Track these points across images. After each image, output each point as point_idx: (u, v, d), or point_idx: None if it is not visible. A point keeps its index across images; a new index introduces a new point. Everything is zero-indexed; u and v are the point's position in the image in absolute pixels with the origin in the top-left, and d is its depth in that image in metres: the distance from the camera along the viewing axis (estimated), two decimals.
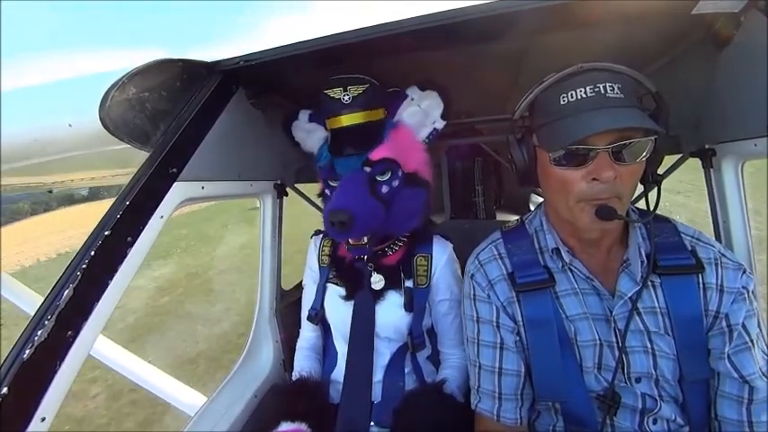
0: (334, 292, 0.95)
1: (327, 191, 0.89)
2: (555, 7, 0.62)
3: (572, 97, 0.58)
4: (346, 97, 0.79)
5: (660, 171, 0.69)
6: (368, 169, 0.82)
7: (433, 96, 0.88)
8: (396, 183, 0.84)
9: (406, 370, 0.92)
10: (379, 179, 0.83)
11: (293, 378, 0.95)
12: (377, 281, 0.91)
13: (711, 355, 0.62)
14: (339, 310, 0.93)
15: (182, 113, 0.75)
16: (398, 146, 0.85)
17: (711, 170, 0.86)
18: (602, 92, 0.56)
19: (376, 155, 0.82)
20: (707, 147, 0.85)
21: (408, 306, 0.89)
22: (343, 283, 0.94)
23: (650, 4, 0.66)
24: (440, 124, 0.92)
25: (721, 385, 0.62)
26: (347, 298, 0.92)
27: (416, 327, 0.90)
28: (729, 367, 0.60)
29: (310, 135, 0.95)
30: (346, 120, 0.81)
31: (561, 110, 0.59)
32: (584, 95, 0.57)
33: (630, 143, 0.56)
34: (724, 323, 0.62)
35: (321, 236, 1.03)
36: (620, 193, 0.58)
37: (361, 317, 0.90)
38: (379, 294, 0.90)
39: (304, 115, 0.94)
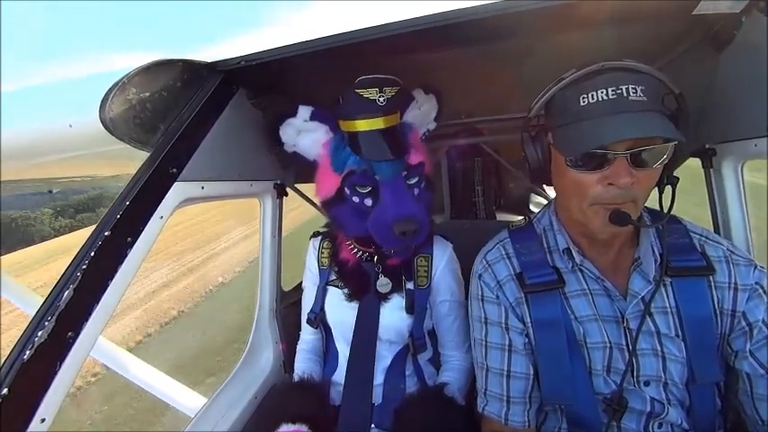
0: (336, 294, 0.94)
1: (356, 198, 0.82)
2: (556, 8, 0.62)
3: (592, 98, 0.55)
4: (381, 99, 0.76)
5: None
6: (404, 173, 0.82)
7: (432, 100, 0.90)
8: (422, 185, 0.85)
9: (407, 372, 0.92)
10: (409, 183, 0.83)
11: (294, 380, 0.95)
12: (384, 284, 0.90)
13: (737, 357, 0.62)
14: (341, 313, 0.93)
15: (182, 114, 0.75)
16: (421, 150, 0.85)
17: (711, 170, 0.86)
18: (624, 94, 0.54)
19: (414, 159, 0.82)
20: (707, 147, 0.85)
21: (410, 308, 0.89)
22: (346, 285, 0.93)
23: (651, 4, 0.66)
24: (432, 126, 0.95)
25: (754, 388, 0.60)
26: (350, 300, 0.91)
27: (417, 329, 0.90)
28: (755, 364, 0.59)
29: (303, 135, 0.87)
30: (383, 122, 0.77)
31: (581, 111, 0.57)
32: (605, 97, 0.54)
33: (649, 148, 0.55)
34: (743, 322, 0.61)
35: (320, 238, 1.02)
36: (635, 197, 0.57)
37: (365, 319, 0.89)
38: (384, 297, 0.90)
39: (305, 112, 0.85)
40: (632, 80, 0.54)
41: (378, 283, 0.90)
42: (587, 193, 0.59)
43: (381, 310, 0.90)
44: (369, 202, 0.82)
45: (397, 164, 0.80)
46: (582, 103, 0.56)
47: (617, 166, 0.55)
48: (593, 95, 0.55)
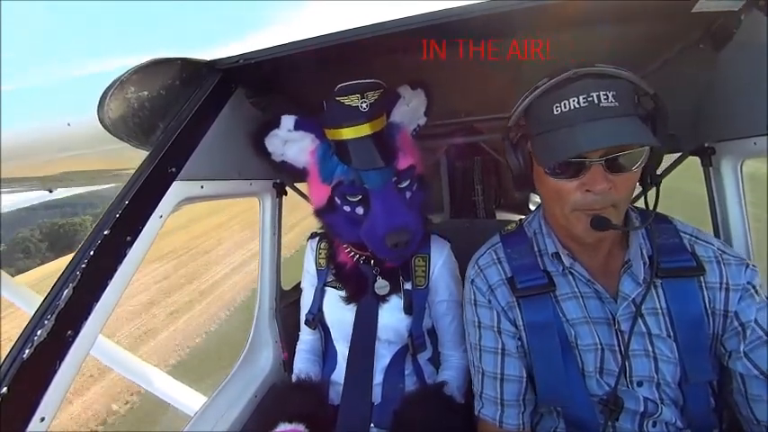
0: (334, 295, 0.94)
1: (347, 207, 0.81)
2: (555, 6, 0.62)
3: (565, 107, 0.56)
4: (364, 105, 0.74)
5: (659, 170, 0.68)
6: (394, 179, 0.80)
7: (420, 95, 0.89)
8: (414, 187, 0.84)
9: (406, 372, 0.92)
10: (401, 187, 0.82)
11: (293, 380, 0.95)
12: (382, 286, 0.90)
13: (730, 358, 0.62)
14: (339, 313, 0.93)
15: (181, 112, 0.75)
16: (410, 150, 0.84)
17: (711, 168, 0.86)
18: (596, 101, 0.54)
19: (403, 164, 0.81)
20: (706, 145, 0.85)
21: (408, 309, 0.89)
22: (344, 287, 0.93)
23: (650, 3, 0.66)
24: (423, 121, 0.93)
25: (748, 388, 0.60)
26: (348, 302, 0.91)
27: (416, 328, 0.90)
28: (749, 365, 0.59)
29: (290, 145, 0.86)
30: (368, 128, 0.75)
31: (554, 120, 0.57)
32: (576, 105, 0.55)
33: (625, 154, 0.55)
34: (736, 322, 0.61)
35: (318, 238, 1.01)
36: (615, 201, 0.58)
37: (364, 320, 0.89)
38: (382, 299, 0.90)
39: (288, 122, 0.83)
40: (603, 86, 0.55)
41: (376, 285, 0.90)
42: (567, 199, 0.59)
43: (380, 311, 0.90)
44: (360, 210, 0.81)
45: (386, 171, 0.78)
46: (555, 112, 0.57)
47: (593, 172, 0.56)
48: (565, 104, 0.56)
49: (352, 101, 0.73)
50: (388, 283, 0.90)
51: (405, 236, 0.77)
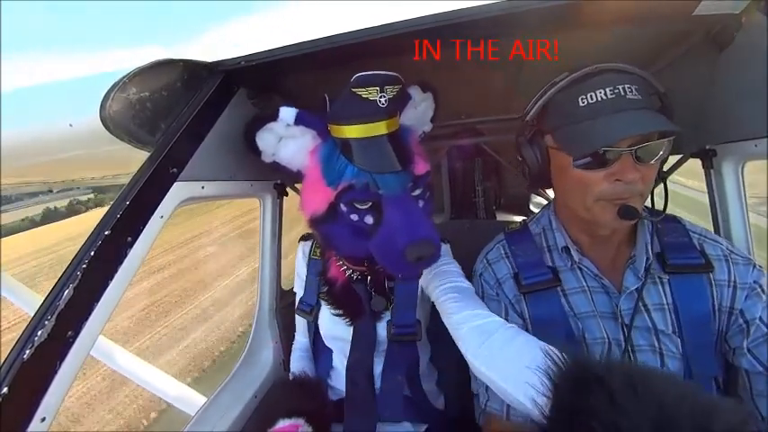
0: (327, 311, 0.91)
1: (354, 216, 0.70)
2: (557, 9, 0.62)
3: (591, 99, 0.57)
4: (383, 99, 0.64)
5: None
6: (410, 185, 0.71)
7: (429, 98, 0.85)
8: (426, 195, 0.76)
9: (404, 366, 0.90)
10: (414, 195, 0.73)
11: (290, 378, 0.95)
12: (379, 302, 0.87)
13: (735, 354, 0.62)
14: (333, 330, 0.91)
15: (182, 113, 0.75)
16: (423, 156, 0.76)
17: (712, 171, 0.86)
18: (622, 93, 0.56)
19: (421, 169, 0.72)
20: (707, 147, 0.85)
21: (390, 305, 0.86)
22: (337, 306, 0.89)
23: (651, 5, 0.66)
24: (428, 128, 0.88)
25: (752, 384, 0.61)
26: (341, 317, 0.89)
27: (398, 318, 0.85)
28: (753, 361, 0.60)
29: (286, 142, 0.74)
30: (385, 127, 0.67)
31: (580, 112, 0.58)
32: (604, 97, 0.57)
33: (651, 144, 0.57)
34: (741, 320, 0.62)
35: (311, 242, 0.99)
36: (641, 191, 0.59)
37: (362, 341, 0.87)
38: (378, 315, 0.88)
39: (287, 115, 0.71)
40: (627, 80, 0.57)
41: (372, 302, 0.87)
42: (594, 190, 0.60)
43: (377, 329, 0.88)
44: (369, 219, 0.70)
45: (404, 176, 0.69)
46: (581, 104, 0.58)
47: (623, 162, 0.57)
48: (591, 96, 0.57)
49: (371, 93, 0.64)
50: (383, 298, 0.87)
51: (429, 248, 0.67)
